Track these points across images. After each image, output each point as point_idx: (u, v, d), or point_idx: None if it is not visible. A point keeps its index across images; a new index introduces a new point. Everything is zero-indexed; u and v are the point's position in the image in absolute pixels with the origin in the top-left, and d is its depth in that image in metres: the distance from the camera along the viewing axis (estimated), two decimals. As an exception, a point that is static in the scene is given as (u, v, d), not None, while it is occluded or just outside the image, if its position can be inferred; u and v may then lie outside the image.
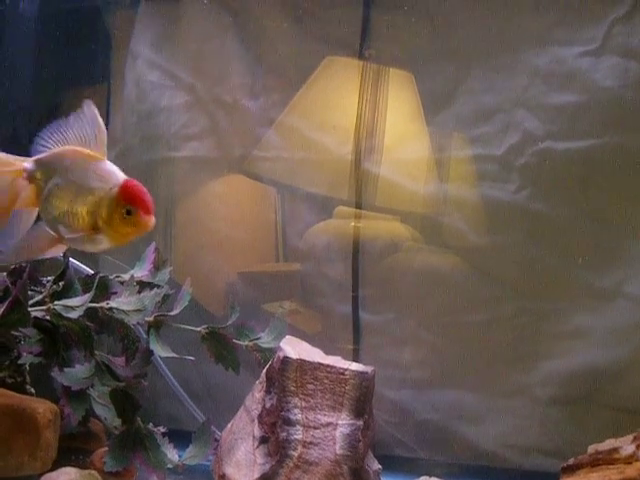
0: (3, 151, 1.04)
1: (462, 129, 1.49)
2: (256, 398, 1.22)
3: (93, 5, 1.68)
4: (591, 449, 1.12)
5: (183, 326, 1.30)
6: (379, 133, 1.52)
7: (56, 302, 1.20)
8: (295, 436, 1.13)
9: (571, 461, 1.13)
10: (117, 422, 1.22)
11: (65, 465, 1.14)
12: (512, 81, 1.44)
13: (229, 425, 1.26)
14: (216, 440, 1.27)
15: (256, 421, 1.19)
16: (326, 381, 1.16)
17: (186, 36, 1.61)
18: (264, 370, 1.23)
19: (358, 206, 1.52)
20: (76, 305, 1.19)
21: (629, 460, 1.07)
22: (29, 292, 1.16)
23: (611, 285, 1.39)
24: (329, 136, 1.52)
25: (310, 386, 1.16)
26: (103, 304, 1.23)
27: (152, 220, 0.98)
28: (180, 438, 1.26)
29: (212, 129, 1.60)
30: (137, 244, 1.18)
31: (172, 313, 1.28)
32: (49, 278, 1.25)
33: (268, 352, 1.29)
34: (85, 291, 1.23)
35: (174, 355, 1.26)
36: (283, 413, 1.15)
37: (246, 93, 1.58)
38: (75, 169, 0.99)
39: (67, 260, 1.25)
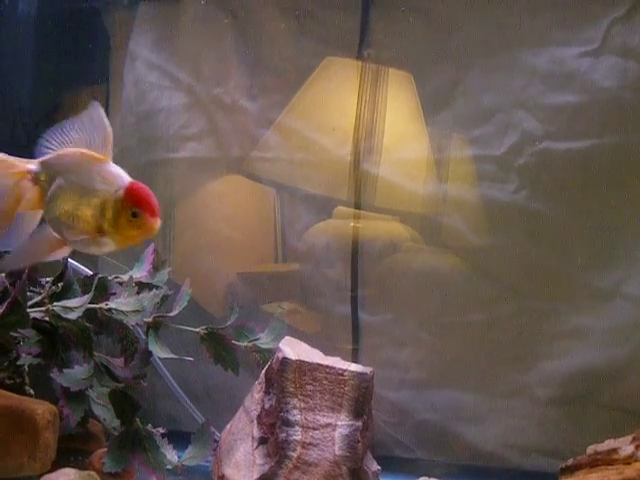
0: (2, 152, 1.03)
1: (461, 129, 1.49)
2: (255, 399, 1.22)
3: (92, 6, 1.68)
4: (590, 449, 1.13)
5: (182, 327, 1.30)
6: (378, 133, 1.52)
7: (55, 303, 1.20)
8: (294, 437, 1.13)
9: (570, 461, 1.13)
10: (116, 423, 1.22)
11: (64, 466, 1.14)
12: (511, 81, 1.44)
13: (228, 426, 1.26)
14: (215, 441, 1.27)
15: (255, 422, 1.19)
16: (325, 382, 1.16)
17: (185, 37, 1.61)
18: (263, 371, 1.23)
19: (357, 206, 1.52)
20: (75, 306, 1.19)
21: (628, 460, 1.07)
22: (28, 293, 1.16)
23: (610, 285, 1.39)
24: (328, 137, 1.52)
25: (309, 387, 1.16)
26: (102, 305, 1.23)
27: (158, 223, 0.97)
28: (179, 439, 1.26)
29: (211, 130, 1.60)
30: (136, 245, 1.18)
31: (171, 314, 1.28)
32: (48, 279, 1.26)
33: (267, 353, 1.29)
34: (84, 292, 1.23)
35: (173, 356, 1.26)
36: (282, 414, 1.15)
37: (245, 94, 1.58)
38: (80, 171, 0.98)
39: (66, 261, 1.25)
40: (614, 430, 1.16)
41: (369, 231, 1.53)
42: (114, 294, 1.26)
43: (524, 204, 1.42)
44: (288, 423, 1.14)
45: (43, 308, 1.20)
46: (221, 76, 1.59)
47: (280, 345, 1.20)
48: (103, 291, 1.25)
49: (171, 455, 1.22)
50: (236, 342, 1.30)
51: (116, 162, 1.01)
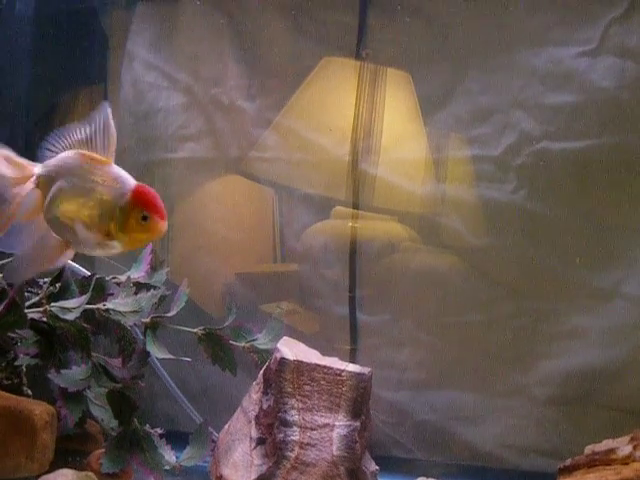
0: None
1: (459, 129, 1.49)
2: (253, 399, 1.22)
3: (90, 6, 1.68)
4: (588, 450, 1.13)
5: (180, 327, 1.30)
6: (376, 133, 1.52)
7: (53, 304, 1.20)
8: (292, 437, 1.13)
9: (568, 462, 1.13)
10: (114, 423, 1.22)
11: (62, 467, 1.14)
12: (509, 81, 1.44)
13: (226, 426, 1.26)
14: (213, 441, 1.27)
15: (253, 422, 1.19)
16: (323, 382, 1.16)
17: (183, 37, 1.61)
18: (261, 371, 1.23)
19: (355, 207, 1.52)
20: (73, 307, 1.19)
21: (626, 461, 1.07)
22: (26, 294, 1.16)
23: (609, 285, 1.39)
24: (326, 137, 1.52)
25: (307, 387, 1.16)
26: (100, 305, 1.23)
27: (165, 225, 0.96)
28: (177, 439, 1.26)
29: (209, 130, 1.60)
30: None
31: (169, 314, 1.28)
32: (46, 280, 1.25)
33: (265, 353, 1.29)
34: (82, 293, 1.23)
35: (171, 356, 1.26)
36: (280, 414, 1.15)
37: (243, 94, 1.58)
38: (83, 174, 0.97)
39: (63, 261, 1.24)
40: (612, 430, 1.16)
41: (367, 231, 1.53)
42: (112, 294, 1.26)
43: (522, 204, 1.42)
44: (286, 423, 1.14)
45: (41, 309, 1.20)
46: (219, 76, 1.59)
47: (278, 345, 1.20)
48: (101, 292, 1.25)
49: (169, 455, 1.22)
50: (234, 342, 1.30)
51: (114, 162, 1.00)
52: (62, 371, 1.19)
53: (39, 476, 1.12)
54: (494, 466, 1.44)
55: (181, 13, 1.61)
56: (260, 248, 1.64)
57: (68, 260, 1.03)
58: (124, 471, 1.18)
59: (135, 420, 1.21)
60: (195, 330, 1.30)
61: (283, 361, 1.16)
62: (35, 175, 0.99)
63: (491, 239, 1.45)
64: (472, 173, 1.48)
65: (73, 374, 1.20)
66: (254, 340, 1.31)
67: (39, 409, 1.17)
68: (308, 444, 1.13)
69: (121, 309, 1.23)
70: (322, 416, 1.15)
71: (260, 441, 1.17)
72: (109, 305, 1.23)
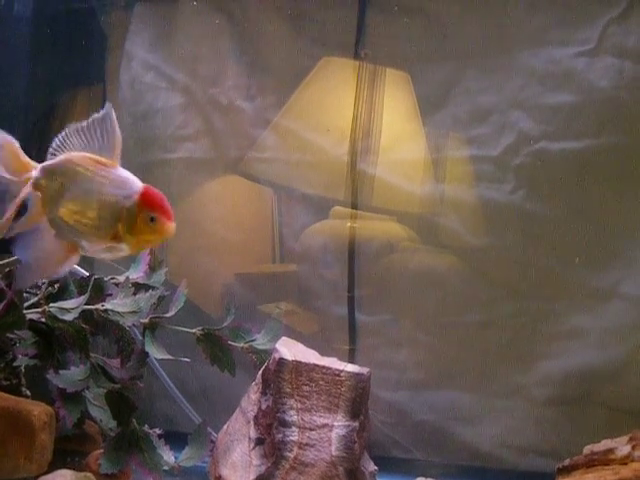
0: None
1: (458, 129, 1.49)
2: (252, 399, 1.22)
3: (88, 6, 1.68)
4: (587, 450, 1.13)
5: (178, 328, 1.29)
6: (375, 133, 1.52)
7: (51, 304, 1.20)
8: (291, 437, 1.13)
9: (567, 462, 1.14)
10: (113, 424, 1.22)
11: (60, 467, 1.14)
12: (508, 81, 1.44)
13: (225, 426, 1.26)
14: (212, 442, 1.27)
15: (252, 422, 1.19)
16: (322, 382, 1.16)
17: (181, 37, 1.60)
18: (260, 372, 1.23)
19: (354, 207, 1.52)
20: (71, 307, 1.19)
21: (624, 461, 1.08)
22: (24, 294, 1.16)
23: (607, 285, 1.39)
24: (325, 137, 1.52)
25: (306, 387, 1.16)
26: (98, 306, 1.23)
27: (173, 226, 0.95)
28: (176, 440, 1.26)
29: (208, 130, 1.60)
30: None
31: (167, 315, 1.28)
32: (44, 280, 1.25)
33: (264, 354, 1.29)
34: (80, 293, 1.23)
35: (169, 357, 1.26)
36: (279, 414, 1.15)
37: (242, 94, 1.58)
38: (88, 176, 0.95)
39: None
40: (611, 430, 1.16)
41: (366, 231, 1.53)
42: (110, 295, 1.26)
43: (521, 204, 1.42)
44: (285, 424, 1.14)
45: (39, 309, 1.20)
46: (217, 76, 1.59)
47: (277, 346, 1.20)
48: (99, 292, 1.25)
49: (168, 456, 1.22)
50: (233, 343, 1.30)
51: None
52: (61, 372, 1.19)
53: (38, 477, 1.12)
54: (493, 466, 1.44)
55: (179, 13, 1.61)
56: (259, 248, 1.64)
57: (74, 263, 1.01)
58: (123, 472, 1.18)
59: (134, 420, 1.21)
60: (194, 330, 1.30)
61: (282, 361, 1.16)
62: (34, 177, 0.97)
63: (490, 239, 1.45)
64: (471, 173, 1.48)
65: (72, 375, 1.20)
66: (253, 340, 1.31)
67: (38, 410, 1.17)
68: (307, 444, 1.13)
69: (120, 310, 1.23)
70: (321, 416, 1.15)
71: (259, 441, 1.17)
72: (108, 306, 1.23)
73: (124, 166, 0.99)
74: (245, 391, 1.26)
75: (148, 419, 1.26)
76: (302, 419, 1.15)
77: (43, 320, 1.19)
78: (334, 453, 1.13)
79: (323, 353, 1.24)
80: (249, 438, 1.18)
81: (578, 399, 1.40)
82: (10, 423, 1.14)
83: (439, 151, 1.51)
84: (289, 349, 1.19)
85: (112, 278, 1.31)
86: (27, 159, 0.98)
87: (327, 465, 1.13)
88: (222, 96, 1.59)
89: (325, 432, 1.14)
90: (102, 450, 1.20)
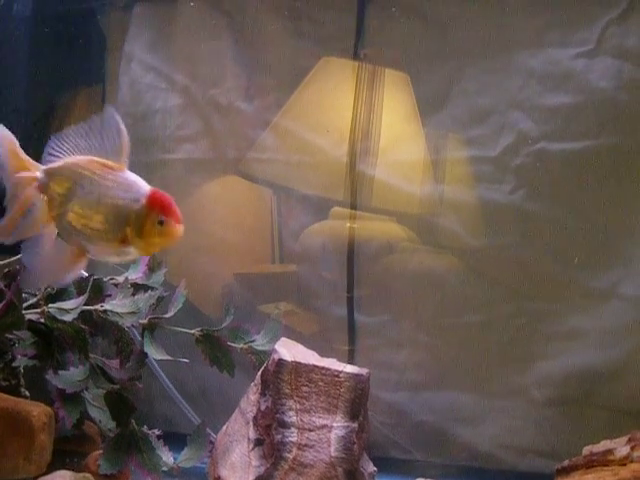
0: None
1: (457, 130, 1.49)
2: (251, 400, 1.21)
3: (88, 7, 1.68)
4: (586, 450, 1.13)
5: (177, 328, 1.30)
6: (375, 134, 1.52)
7: (50, 305, 1.20)
8: (290, 438, 1.13)
9: (566, 463, 1.14)
10: (112, 425, 1.22)
11: (60, 468, 1.14)
12: (507, 82, 1.44)
13: (224, 427, 1.26)
14: (211, 442, 1.27)
15: (251, 423, 1.19)
16: (321, 383, 1.16)
17: (180, 38, 1.60)
18: (259, 372, 1.23)
19: (353, 207, 1.52)
20: (70, 308, 1.19)
21: (623, 462, 1.08)
22: (23, 295, 1.16)
23: (606, 286, 1.39)
24: (324, 137, 1.52)
25: (305, 388, 1.16)
26: (97, 307, 1.23)
27: (182, 229, 0.95)
28: (175, 440, 1.26)
29: (207, 131, 1.60)
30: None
31: (166, 315, 1.28)
32: (43, 280, 1.25)
33: (263, 354, 1.29)
34: (79, 294, 1.23)
35: (168, 357, 1.26)
36: (278, 415, 1.15)
37: (241, 95, 1.58)
38: (96, 180, 0.95)
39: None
40: (611, 431, 1.16)
41: (365, 232, 1.53)
42: (109, 296, 1.26)
43: (520, 205, 1.42)
44: (284, 424, 1.14)
45: (38, 310, 1.20)
46: (217, 77, 1.59)
47: (276, 347, 1.20)
48: (98, 293, 1.25)
49: (167, 457, 1.22)
50: (232, 344, 1.30)
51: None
52: (60, 372, 1.19)
53: (37, 477, 1.12)
54: (492, 467, 1.44)
55: (179, 14, 1.60)
56: (258, 249, 1.64)
57: (83, 268, 1.00)
58: (122, 472, 1.18)
59: (133, 421, 1.21)
60: (193, 331, 1.30)
61: (281, 362, 1.16)
62: (39, 180, 0.97)
63: (489, 240, 1.45)
64: (470, 174, 1.48)
65: (71, 375, 1.20)
66: (252, 341, 1.31)
67: (37, 410, 1.17)
68: (306, 445, 1.13)
69: (119, 310, 1.23)
70: (320, 417, 1.15)
71: (258, 442, 1.17)
72: (107, 306, 1.23)
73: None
74: (244, 392, 1.26)
75: (147, 420, 1.26)
76: (301, 420, 1.15)
77: (42, 321, 1.19)
78: (333, 454, 1.13)
79: (322, 354, 1.23)
80: (248, 439, 1.18)
81: (577, 400, 1.40)
82: (9, 424, 1.14)
83: (438, 152, 1.51)
84: (288, 350, 1.19)
85: (111, 279, 1.31)
86: (27, 157, 0.97)
87: (326, 466, 1.13)
88: (221, 97, 1.58)
89: (324, 433, 1.14)
90: (101, 451, 1.20)
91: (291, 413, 1.15)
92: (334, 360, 1.21)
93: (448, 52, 1.48)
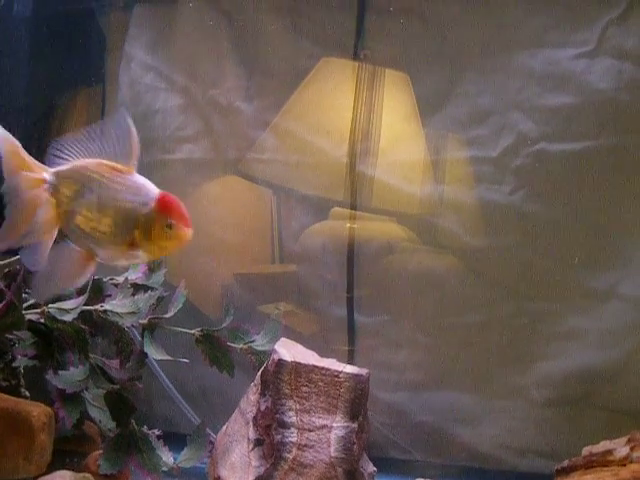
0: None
1: (457, 131, 1.49)
2: (251, 400, 1.21)
3: (88, 7, 1.68)
4: (585, 451, 1.13)
5: (177, 329, 1.29)
6: (374, 134, 1.52)
7: (50, 305, 1.19)
8: (290, 439, 1.13)
9: (565, 463, 1.14)
10: (112, 425, 1.21)
11: (60, 468, 1.14)
12: (507, 83, 1.44)
13: (224, 427, 1.26)
14: (211, 443, 1.27)
15: (251, 423, 1.19)
16: (321, 384, 1.16)
17: (180, 38, 1.60)
18: (259, 372, 1.23)
19: (353, 208, 1.52)
20: (70, 308, 1.19)
21: (623, 462, 1.08)
22: (23, 295, 1.16)
23: (606, 286, 1.39)
24: (324, 138, 1.52)
25: (305, 389, 1.16)
26: (97, 307, 1.23)
27: (191, 232, 0.95)
28: (175, 441, 1.26)
29: (207, 131, 1.60)
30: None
31: (166, 316, 1.28)
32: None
33: (263, 355, 1.29)
34: (79, 294, 1.22)
35: (168, 357, 1.26)
36: (278, 416, 1.15)
37: (241, 95, 1.58)
38: (105, 183, 0.94)
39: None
40: (610, 431, 1.16)
41: (365, 232, 1.53)
42: (109, 296, 1.26)
43: (520, 205, 1.42)
44: (284, 425, 1.14)
45: (38, 310, 1.19)
46: (217, 77, 1.59)
47: (275, 347, 1.20)
48: (98, 293, 1.25)
49: (167, 457, 1.22)
50: (232, 344, 1.30)
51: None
52: (60, 372, 1.19)
53: (37, 477, 1.12)
54: (492, 467, 1.44)
55: (179, 14, 1.60)
56: (258, 249, 1.65)
57: (92, 272, 0.99)
58: (122, 472, 1.18)
59: (133, 421, 1.21)
60: (193, 331, 1.30)
61: (281, 362, 1.16)
62: (48, 182, 0.96)
63: (489, 240, 1.45)
64: (470, 174, 1.48)
65: (71, 375, 1.20)
66: (252, 341, 1.31)
67: (37, 410, 1.17)
68: (306, 445, 1.13)
69: (119, 310, 1.23)
70: (320, 417, 1.15)
71: (258, 442, 1.17)
72: (107, 306, 1.23)
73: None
74: (244, 392, 1.26)
75: (147, 420, 1.25)
76: (301, 420, 1.15)
77: (42, 321, 1.19)
78: (333, 454, 1.13)
79: (322, 354, 1.23)
80: (248, 439, 1.18)
81: (577, 400, 1.40)
82: (9, 424, 1.14)
83: (438, 152, 1.51)
84: (288, 350, 1.19)
85: (111, 279, 1.31)
86: (32, 159, 0.96)
87: (326, 466, 1.13)
88: (221, 97, 1.58)
89: (324, 433, 1.14)
90: (101, 451, 1.20)
91: (291, 413, 1.15)
92: (334, 360, 1.21)
93: (448, 52, 1.48)
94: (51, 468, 1.15)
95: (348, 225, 1.53)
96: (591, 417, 1.39)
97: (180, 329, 1.30)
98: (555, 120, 1.39)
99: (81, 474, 1.12)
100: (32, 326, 1.19)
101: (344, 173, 1.52)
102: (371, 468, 1.19)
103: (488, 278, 1.45)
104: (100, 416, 1.24)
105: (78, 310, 1.18)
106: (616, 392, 1.37)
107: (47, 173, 0.96)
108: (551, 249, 1.41)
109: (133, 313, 1.23)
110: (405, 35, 1.50)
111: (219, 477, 1.17)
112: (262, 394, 1.19)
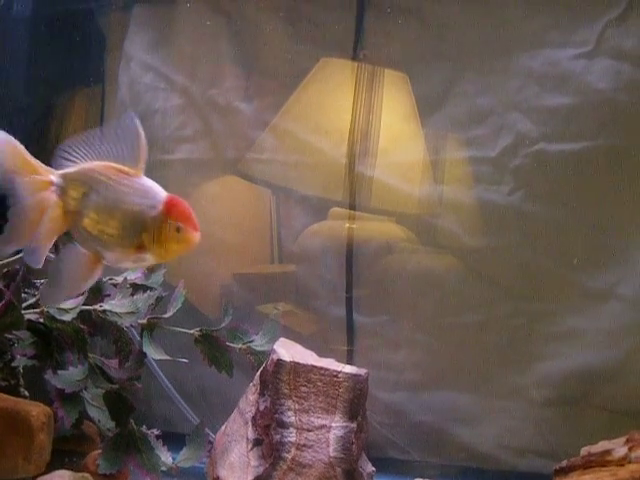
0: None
1: (456, 131, 1.49)
2: (250, 400, 1.22)
3: (87, 7, 1.68)
4: (584, 451, 1.12)
5: (176, 328, 1.29)
6: (374, 135, 1.52)
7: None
8: (289, 438, 1.13)
9: (564, 463, 1.13)
10: (111, 424, 1.22)
11: (59, 468, 1.14)
12: (506, 83, 1.44)
13: (223, 427, 1.26)
14: (210, 442, 1.27)
15: (250, 423, 1.19)
16: (319, 384, 1.16)
17: (180, 38, 1.60)
18: (258, 372, 1.23)
19: (352, 208, 1.52)
20: (69, 308, 1.19)
21: (621, 462, 1.08)
22: (23, 295, 1.16)
23: (604, 287, 1.39)
24: (323, 138, 1.52)
25: (303, 389, 1.16)
26: (96, 307, 1.23)
27: (199, 236, 0.94)
28: (174, 440, 1.26)
29: (206, 131, 1.60)
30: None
31: (165, 315, 1.28)
32: (42, 281, 1.25)
33: (262, 355, 1.29)
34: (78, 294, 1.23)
35: (167, 357, 1.26)
36: (277, 415, 1.15)
37: (240, 95, 1.58)
38: (112, 186, 0.94)
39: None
40: (609, 431, 1.16)
41: (364, 232, 1.53)
42: (108, 296, 1.26)
43: (519, 205, 1.42)
44: (282, 425, 1.14)
45: (38, 310, 1.20)
46: (216, 78, 1.59)
47: (275, 347, 1.20)
48: (97, 293, 1.25)
49: (166, 457, 1.22)
50: (230, 344, 1.30)
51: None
52: (59, 372, 1.19)
53: (36, 477, 1.12)
54: (491, 467, 1.44)
55: (178, 15, 1.61)
56: (257, 249, 1.65)
57: (100, 274, 0.98)
58: (120, 472, 1.18)
59: (132, 421, 1.21)
60: (192, 331, 1.30)
61: (280, 362, 1.16)
62: (55, 185, 0.95)
63: (488, 240, 1.45)
64: (469, 174, 1.48)
65: (70, 375, 1.20)
66: (251, 341, 1.31)
67: (36, 410, 1.17)
68: (305, 445, 1.13)
69: (118, 310, 1.23)
70: (318, 417, 1.15)
71: (257, 442, 1.17)
72: (106, 306, 1.23)
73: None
74: (243, 392, 1.26)
75: (146, 420, 1.26)
76: (300, 420, 1.15)
77: (41, 320, 1.19)
78: (332, 454, 1.13)
79: (321, 354, 1.24)
80: (247, 439, 1.18)
81: (576, 400, 1.40)
82: (8, 424, 1.14)
83: (437, 152, 1.51)
84: (287, 350, 1.19)
85: (110, 279, 1.31)
86: (37, 161, 0.95)
87: (325, 466, 1.13)
88: (221, 97, 1.59)
89: (323, 433, 1.14)
90: (100, 450, 1.20)
91: (290, 413, 1.15)
92: (333, 360, 1.21)
93: (447, 53, 1.48)
94: (50, 468, 1.15)
95: (347, 225, 1.53)
96: (590, 417, 1.39)
97: (179, 329, 1.30)
98: (554, 120, 1.39)
99: (80, 474, 1.12)
100: (31, 326, 1.19)
101: (343, 173, 1.52)
102: (370, 468, 1.19)
103: (487, 278, 1.45)
104: (99, 416, 1.24)
105: (77, 310, 1.18)
106: (615, 392, 1.37)
107: (54, 175, 0.95)
108: (550, 249, 1.41)
109: (132, 313, 1.23)
110: (404, 35, 1.50)
111: (218, 477, 1.17)
112: (261, 394, 1.19)
